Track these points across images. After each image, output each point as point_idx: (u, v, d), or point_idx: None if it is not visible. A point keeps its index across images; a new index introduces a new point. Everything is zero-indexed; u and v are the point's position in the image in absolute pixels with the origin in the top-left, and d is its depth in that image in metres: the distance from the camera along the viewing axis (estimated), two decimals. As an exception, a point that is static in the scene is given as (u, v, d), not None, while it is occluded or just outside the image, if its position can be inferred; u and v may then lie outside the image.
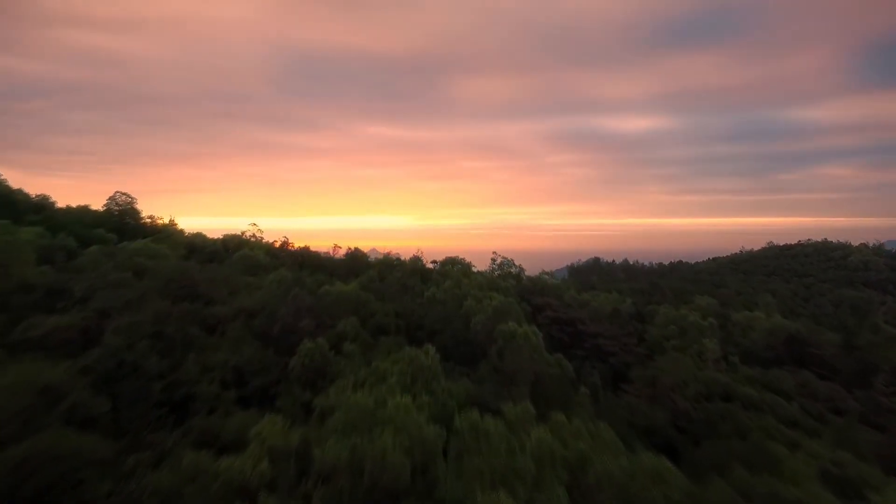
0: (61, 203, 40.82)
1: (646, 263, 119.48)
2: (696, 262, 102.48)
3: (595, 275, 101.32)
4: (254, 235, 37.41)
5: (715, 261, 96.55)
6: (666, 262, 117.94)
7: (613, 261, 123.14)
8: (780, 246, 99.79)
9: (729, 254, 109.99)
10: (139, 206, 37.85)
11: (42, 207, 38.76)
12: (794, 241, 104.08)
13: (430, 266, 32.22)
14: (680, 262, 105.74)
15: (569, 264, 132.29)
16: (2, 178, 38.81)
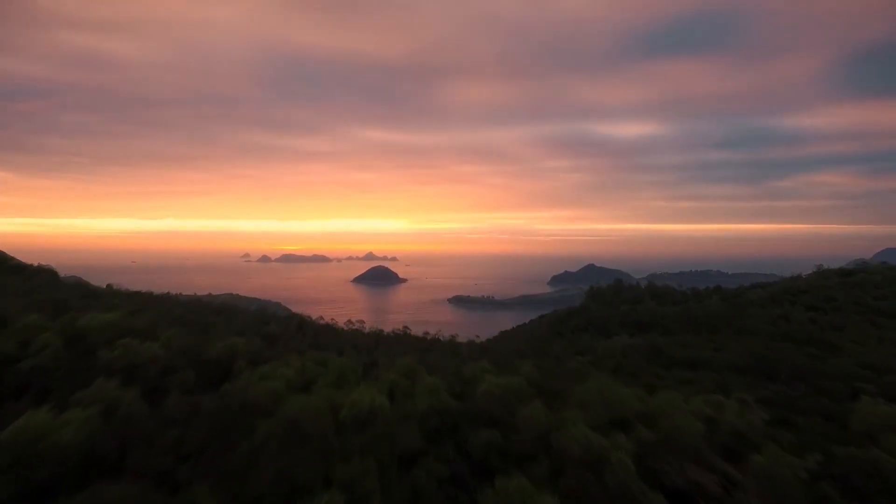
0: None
1: (675, 286, 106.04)
2: (739, 287, 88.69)
3: (625, 303, 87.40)
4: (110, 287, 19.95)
5: (764, 289, 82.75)
6: (700, 284, 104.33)
7: (638, 283, 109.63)
8: (835, 270, 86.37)
9: (777, 279, 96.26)
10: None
11: None
12: (849, 266, 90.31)
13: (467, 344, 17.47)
14: (718, 287, 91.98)
15: (589, 285, 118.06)
16: None
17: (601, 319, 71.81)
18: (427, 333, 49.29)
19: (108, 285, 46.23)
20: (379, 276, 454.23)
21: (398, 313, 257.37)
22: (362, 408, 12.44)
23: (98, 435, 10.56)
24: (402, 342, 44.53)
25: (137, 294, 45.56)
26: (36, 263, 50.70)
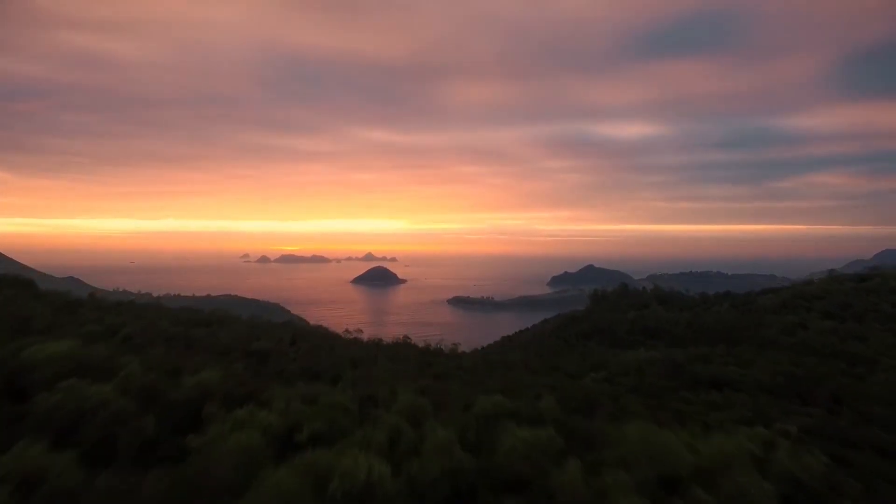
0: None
1: (682, 290, 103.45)
2: (749, 293, 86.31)
3: (631, 308, 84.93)
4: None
5: (776, 294, 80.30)
6: (700, 285, 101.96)
7: (644, 287, 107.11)
8: (848, 275, 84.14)
9: (777, 280, 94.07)
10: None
11: None
12: (849, 266, 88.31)
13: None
14: (728, 292, 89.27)
15: (588, 286, 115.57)
16: None
17: (607, 325, 69.39)
18: (428, 343, 47.00)
19: (89, 294, 42.98)
20: (378, 277, 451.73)
21: (398, 314, 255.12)
22: (356, 481, 9.80)
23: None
24: (402, 354, 42.07)
25: (121, 304, 42.46)
26: (15, 271, 48.22)
